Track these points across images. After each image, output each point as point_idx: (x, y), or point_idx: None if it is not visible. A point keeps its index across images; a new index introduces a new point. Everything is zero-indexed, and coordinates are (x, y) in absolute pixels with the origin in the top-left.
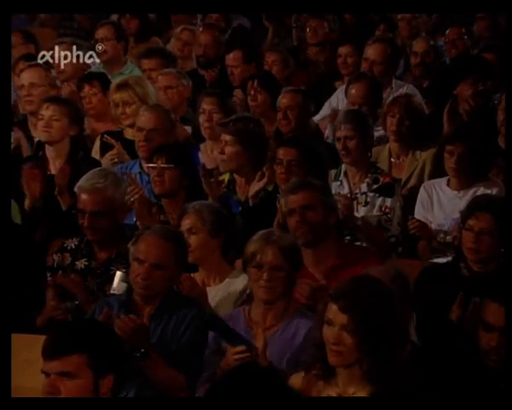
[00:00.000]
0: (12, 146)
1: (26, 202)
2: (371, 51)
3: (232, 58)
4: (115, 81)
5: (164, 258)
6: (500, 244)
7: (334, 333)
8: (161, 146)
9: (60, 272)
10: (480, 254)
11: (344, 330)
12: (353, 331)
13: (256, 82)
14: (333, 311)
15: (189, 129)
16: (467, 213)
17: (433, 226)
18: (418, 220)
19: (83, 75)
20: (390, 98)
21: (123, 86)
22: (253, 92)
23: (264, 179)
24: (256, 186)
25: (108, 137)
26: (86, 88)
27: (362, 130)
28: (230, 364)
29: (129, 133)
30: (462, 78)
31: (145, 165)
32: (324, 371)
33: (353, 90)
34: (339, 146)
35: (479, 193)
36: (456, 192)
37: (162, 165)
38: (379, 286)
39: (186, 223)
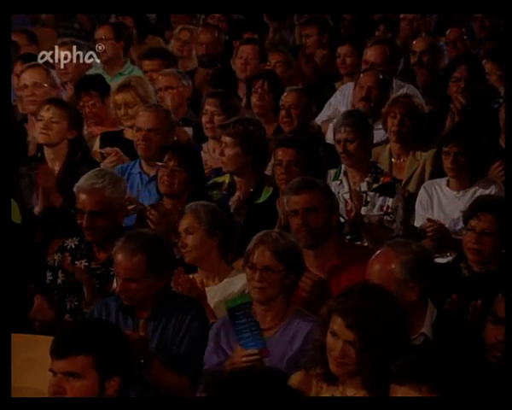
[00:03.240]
0: None
1: (37, 209)
2: (370, 53)
3: (249, 50)
4: (117, 82)
5: (134, 272)
6: (501, 245)
7: (338, 346)
8: (175, 147)
9: (59, 271)
10: (481, 255)
11: (349, 345)
12: (359, 348)
13: (266, 84)
14: (338, 324)
15: (190, 130)
16: (469, 214)
17: None
18: (438, 222)
19: (79, 81)
20: (390, 98)
21: (125, 87)
22: (260, 91)
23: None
24: (233, 203)
25: (107, 150)
26: (85, 98)
27: (362, 132)
28: (236, 364)
29: (129, 133)
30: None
31: (157, 163)
32: (325, 373)
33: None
34: (339, 148)
35: (478, 193)
36: (455, 192)
37: (175, 167)
38: (388, 301)
39: (183, 223)
